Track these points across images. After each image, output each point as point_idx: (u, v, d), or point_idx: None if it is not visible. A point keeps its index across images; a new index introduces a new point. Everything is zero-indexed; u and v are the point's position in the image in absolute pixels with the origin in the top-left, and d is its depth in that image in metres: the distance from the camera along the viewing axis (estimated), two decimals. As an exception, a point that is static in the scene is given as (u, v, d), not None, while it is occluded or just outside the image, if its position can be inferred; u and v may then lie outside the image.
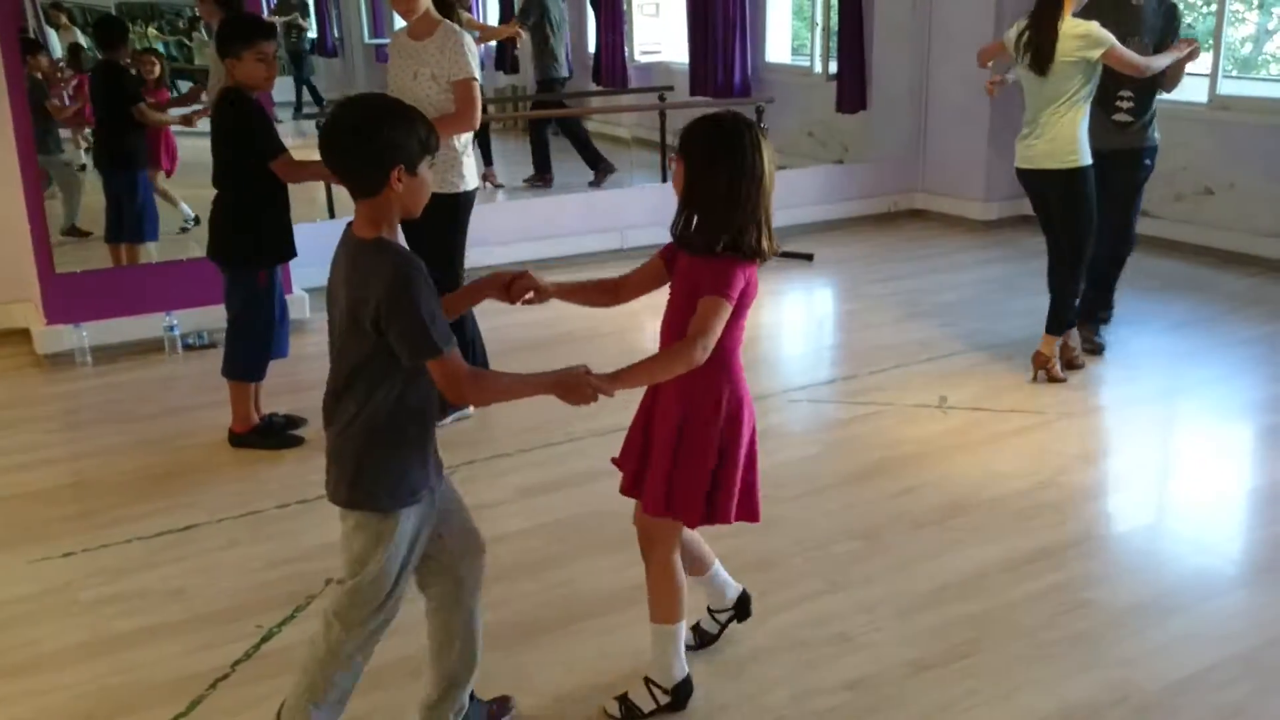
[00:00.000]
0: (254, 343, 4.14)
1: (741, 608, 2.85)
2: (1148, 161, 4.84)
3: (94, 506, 3.76)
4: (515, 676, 2.75)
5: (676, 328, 2.37)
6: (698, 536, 2.71)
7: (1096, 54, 4.29)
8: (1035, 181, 4.59)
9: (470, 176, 4.29)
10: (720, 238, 2.30)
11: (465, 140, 4.26)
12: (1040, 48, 4.34)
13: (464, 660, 2.45)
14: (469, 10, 9.54)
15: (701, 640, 2.85)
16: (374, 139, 2.06)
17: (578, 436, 4.23)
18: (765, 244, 2.31)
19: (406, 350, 2.07)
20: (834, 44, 8.84)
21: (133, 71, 5.65)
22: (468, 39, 4.13)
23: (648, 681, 2.60)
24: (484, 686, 2.70)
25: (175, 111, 5.90)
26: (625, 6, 11.14)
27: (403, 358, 2.08)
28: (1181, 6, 4.69)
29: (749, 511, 2.50)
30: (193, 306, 5.32)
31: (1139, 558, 3.33)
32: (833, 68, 8.91)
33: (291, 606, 3.07)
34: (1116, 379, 4.78)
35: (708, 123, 2.32)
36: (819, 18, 9.39)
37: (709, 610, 2.85)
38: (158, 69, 5.82)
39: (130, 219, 5.64)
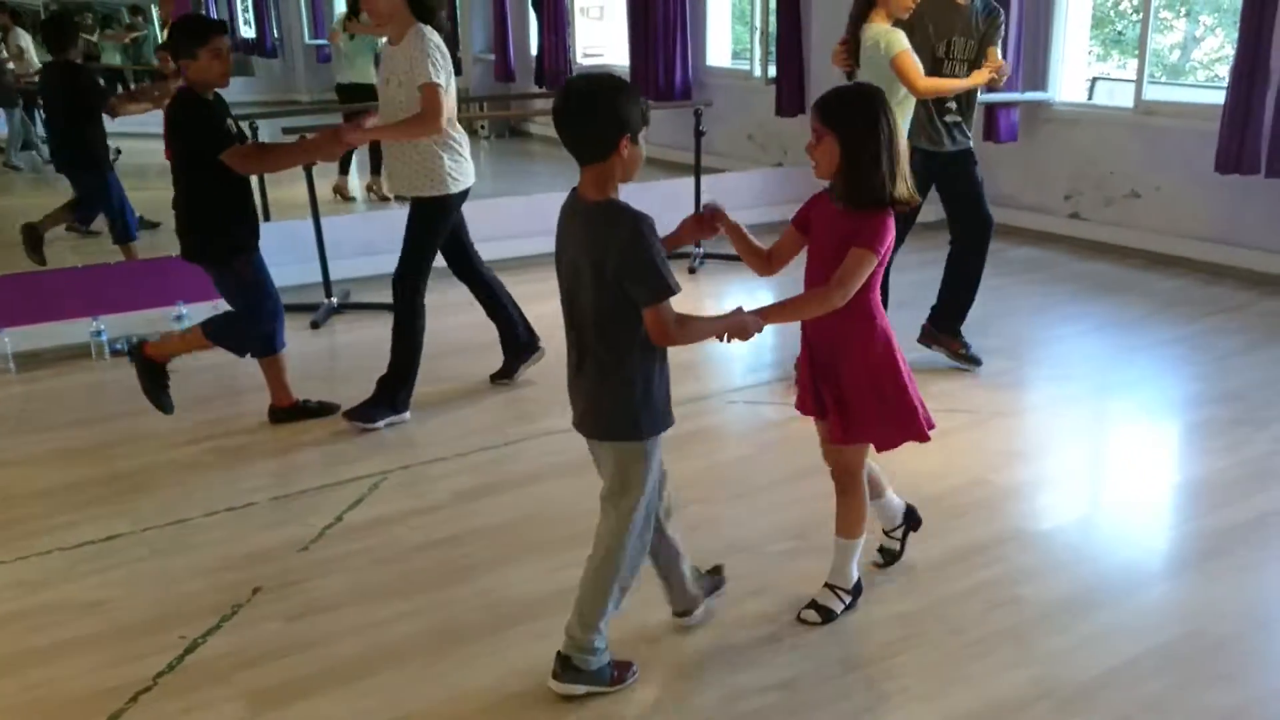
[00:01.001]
0: (265, 323, 4.18)
1: (910, 517, 3.22)
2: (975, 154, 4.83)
3: (14, 517, 3.67)
4: (444, 684, 2.72)
5: (822, 276, 2.68)
6: (876, 466, 3.03)
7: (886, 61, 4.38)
8: None
9: (455, 180, 4.26)
10: (872, 194, 2.59)
11: (453, 142, 4.22)
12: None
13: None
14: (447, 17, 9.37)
15: (890, 559, 3.21)
16: (606, 110, 2.32)
17: (514, 440, 4.21)
18: (906, 191, 2.61)
19: (644, 294, 2.34)
20: (773, 48, 8.90)
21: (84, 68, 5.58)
22: (433, 43, 4.07)
23: (832, 587, 2.96)
24: (410, 695, 2.67)
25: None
26: (568, 8, 11.13)
27: (640, 302, 2.35)
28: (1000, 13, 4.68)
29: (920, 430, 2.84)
30: (121, 311, 5.22)
31: (1067, 553, 3.37)
32: (772, 71, 8.97)
33: (217, 616, 3.02)
34: (1047, 378, 4.85)
35: (851, 94, 2.66)
36: (758, 22, 9.44)
37: (885, 532, 3.21)
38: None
39: (115, 220, 5.65)
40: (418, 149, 4.16)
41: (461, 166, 4.29)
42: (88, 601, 3.11)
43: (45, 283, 5.22)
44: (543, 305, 5.93)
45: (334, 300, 5.88)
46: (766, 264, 2.89)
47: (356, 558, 3.34)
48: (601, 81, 2.37)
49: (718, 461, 4.03)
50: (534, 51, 11.50)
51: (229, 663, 2.80)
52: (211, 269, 4.10)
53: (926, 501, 3.62)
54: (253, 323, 4.16)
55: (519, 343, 4.81)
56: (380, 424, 4.30)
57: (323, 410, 4.41)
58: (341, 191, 8.60)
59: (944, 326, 4.96)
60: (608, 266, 2.34)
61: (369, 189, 8.79)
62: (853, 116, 2.58)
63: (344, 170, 8.65)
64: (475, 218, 7.29)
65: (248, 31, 11.56)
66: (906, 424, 2.81)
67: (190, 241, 4.06)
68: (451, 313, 5.69)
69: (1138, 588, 3.15)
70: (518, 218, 6.85)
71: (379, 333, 5.53)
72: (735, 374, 5.06)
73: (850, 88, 2.72)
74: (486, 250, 6.66)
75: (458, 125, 4.28)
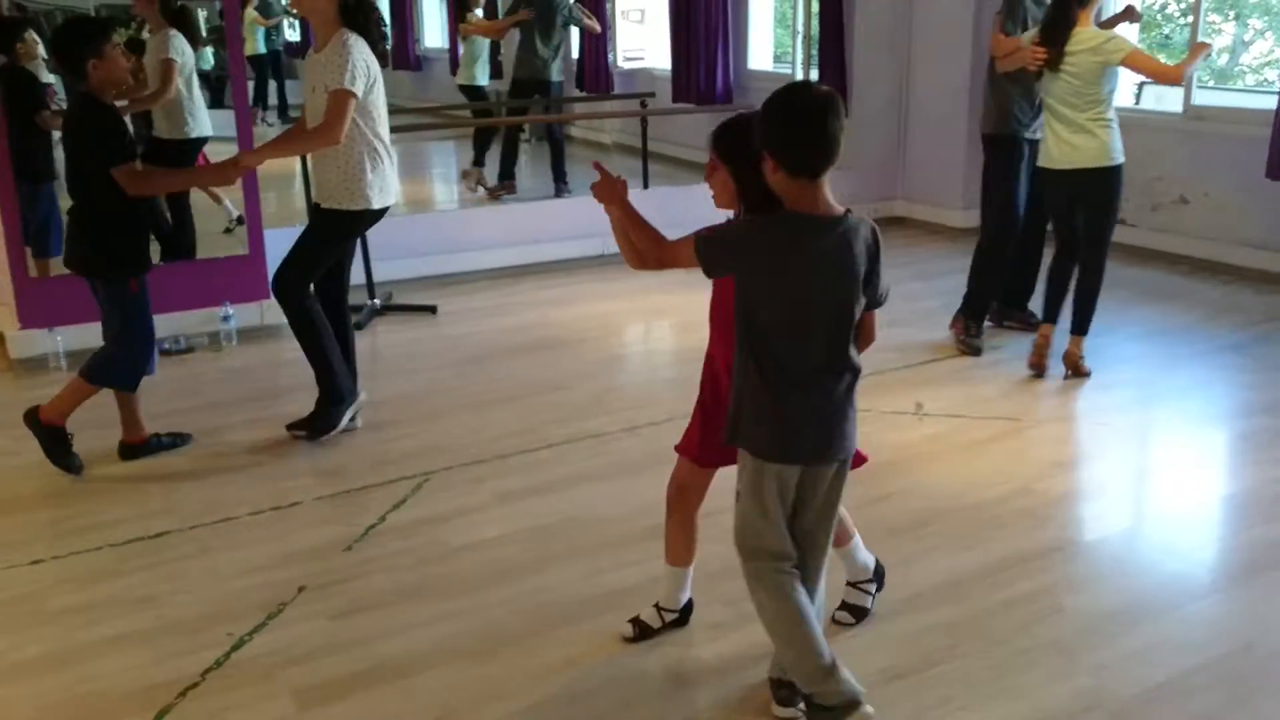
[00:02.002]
0: (137, 350, 4.01)
1: (879, 576, 3.05)
2: None
3: (64, 514, 3.73)
4: (485, 684, 2.73)
5: (723, 309, 2.57)
6: (843, 510, 2.75)
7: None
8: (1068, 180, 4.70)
9: (374, 195, 4.05)
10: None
11: (379, 156, 4.04)
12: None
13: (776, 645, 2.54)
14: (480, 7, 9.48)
15: (859, 615, 2.99)
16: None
17: (556, 443, 4.22)
18: None
19: (882, 293, 2.44)
20: (815, 52, 8.87)
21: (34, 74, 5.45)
22: (356, 50, 3.85)
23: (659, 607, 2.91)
24: (451, 695, 2.69)
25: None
26: (609, 12, 11.14)
27: (875, 302, 2.44)
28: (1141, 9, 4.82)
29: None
30: (170, 311, 5.28)
31: (1113, 564, 3.33)
32: (814, 75, 8.93)
33: (264, 614, 3.05)
34: (1092, 386, 4.80)
35: (744, 127, 2.43)
36: (800, 25, 9.40)
37: (850, 584, 3.00)
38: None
39: (36, 232, 5.37)
40: (348, 158, 3.96)
41: (383, 183, 4.08)
42: (137, 598, 3.16)
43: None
44: (591, 307, 5.98)
45: (377, 301, 5.93)
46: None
47: (400, 558, 3.36)
48: (825, 95, 2.35)
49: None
50: (575, 55, 11.52)
51: (275, 660, 2.83)
52: (96, 282, 3.96)
53: (968, 510, 3.61)
54: (124, 346, 3.99)
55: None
56: (342, 424, 4.22)
57: (176, 441, 4.23)
58: (480, 183, 8.67)
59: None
60: (866, 273, 2.37)
61: (464, 174, 8.85)
62: (746, 149, 2.37)
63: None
64: (517, 221, 7.33)
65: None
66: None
67: (78, 253, 3.95)
68: (488, 316, 5.72)
69: (1186, 600, 3.11)
70: (557, 221, 6.89)
71: (420, 333, 5.59)
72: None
73: (744, 119, 2.46)
74: (524, 254, 6.75)
75: (386, 140, 4.08)
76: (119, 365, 4.00)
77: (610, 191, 2.53)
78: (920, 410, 4.47)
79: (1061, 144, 4.61)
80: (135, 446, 4.14)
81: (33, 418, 3.96)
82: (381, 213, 4.16)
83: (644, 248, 2.51)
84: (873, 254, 2.38)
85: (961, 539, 3.43)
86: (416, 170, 10.49)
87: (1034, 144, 5.01)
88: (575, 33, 11.36)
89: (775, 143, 2.27)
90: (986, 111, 5.27)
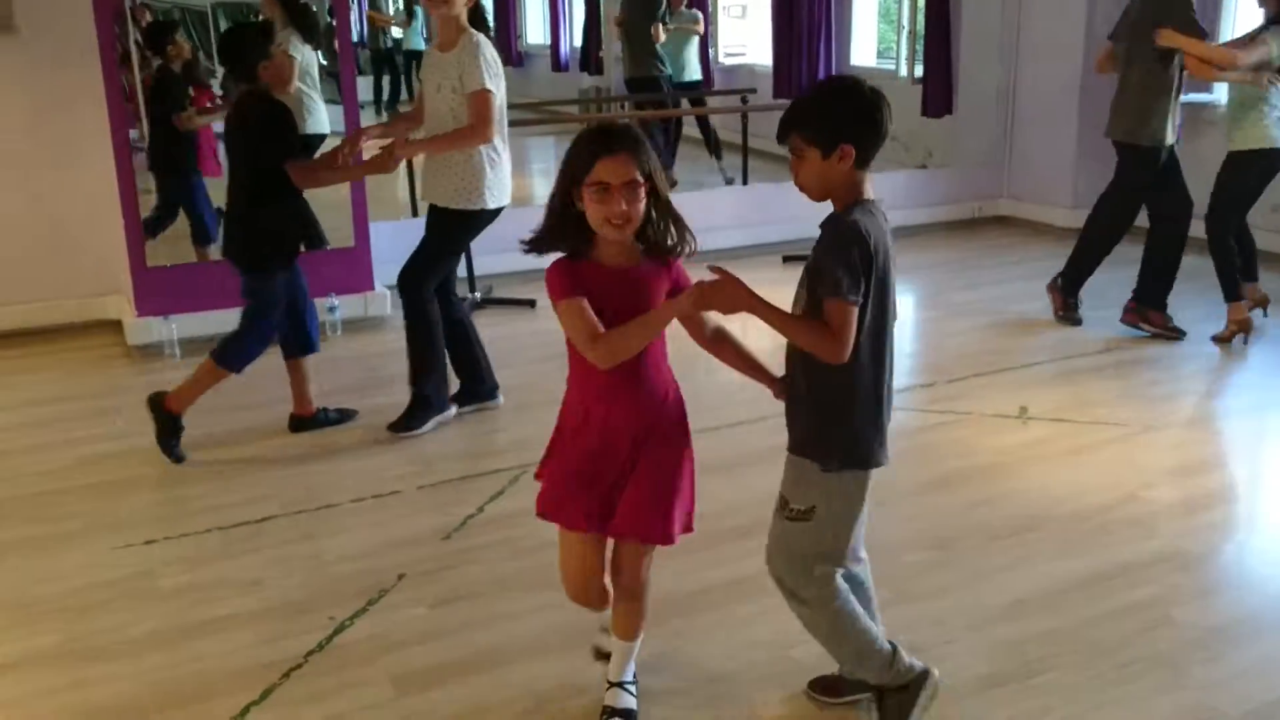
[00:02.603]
0: (256, 339, 4.12)
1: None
2: None
3: (174, 495, 3.86)
4: (582, 677, 2.74)
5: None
6: None
7: None
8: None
9: (491, 196, 4.14)
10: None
11: (496, 156, 4.12)
12: None
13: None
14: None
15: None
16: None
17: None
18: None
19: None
20: (920, 47, 8.73)
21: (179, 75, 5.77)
22: (486, 50, 3.97)
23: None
24: (545, 686, 2.71)
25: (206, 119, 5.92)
26: (711, 8, 11.11)
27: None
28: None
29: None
30: (277, 302, 5.45)
31: (1224, 578, 3.22)
32: (918, 71, 8.80)
33: (364, 600, 3.11)
34: (1205, 392, 4.64)
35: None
36: (905, 20, 9.28)
37: (614, 685, 2.59)
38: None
39: (195, 223, 5.73)
40: (467, 160, 4.04)
41: (501, 182, 4.16)
42: (244, 580, 3.26)
43: (207, 273, 5.46)
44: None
45: (477, 295, 6.01)
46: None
47: (497, 548, 3.41)
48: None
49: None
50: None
51: (375, 645, 2.89)
52: (247, 275, 4.09)
53: (1072, 517, 3.52)
54: (248, 331, 4.10)
55: (474, 389, 4.53)
56: (426, 428, 4.29)
57: (342, 417, 4.41)
58: None
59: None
60: None
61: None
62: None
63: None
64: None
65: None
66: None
67: (236, 246, 4.11)
68: (523, 321, 5.74)
69: (1302, 617, 2.99)
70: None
71: (519, 327, 5.65)
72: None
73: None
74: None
75: (504, 138, 4.14)
76: (236, 347, 4.11)
77: (735, 297, 2.19)
78: (1024, 414, 4.37)
79: None
80: (304, 419, 4.33)
81: (155, 402, 4.09)
82: (498, 212, 4.23)
83: (812, 340, 2.20)
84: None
85: (1065, 546, 3.34)
86: (517, 165, 10.57)
87: (1172, 149, 5.14)
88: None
89: (860, 135, 2.23)
90: (1126, 118, 5.16)
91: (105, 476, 4.00)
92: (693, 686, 2.70)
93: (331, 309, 5.49)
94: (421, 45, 12.17)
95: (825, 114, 2.25)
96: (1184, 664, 2.76)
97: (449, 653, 2.86)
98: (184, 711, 2.66)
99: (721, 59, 11.43)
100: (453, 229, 4.22)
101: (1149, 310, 5.22)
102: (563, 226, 2.29)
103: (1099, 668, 2.74)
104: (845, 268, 2.16)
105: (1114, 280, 5.51)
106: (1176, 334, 5.15)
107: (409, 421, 4.29)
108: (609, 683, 2.58)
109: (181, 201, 5.73)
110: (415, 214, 6.66)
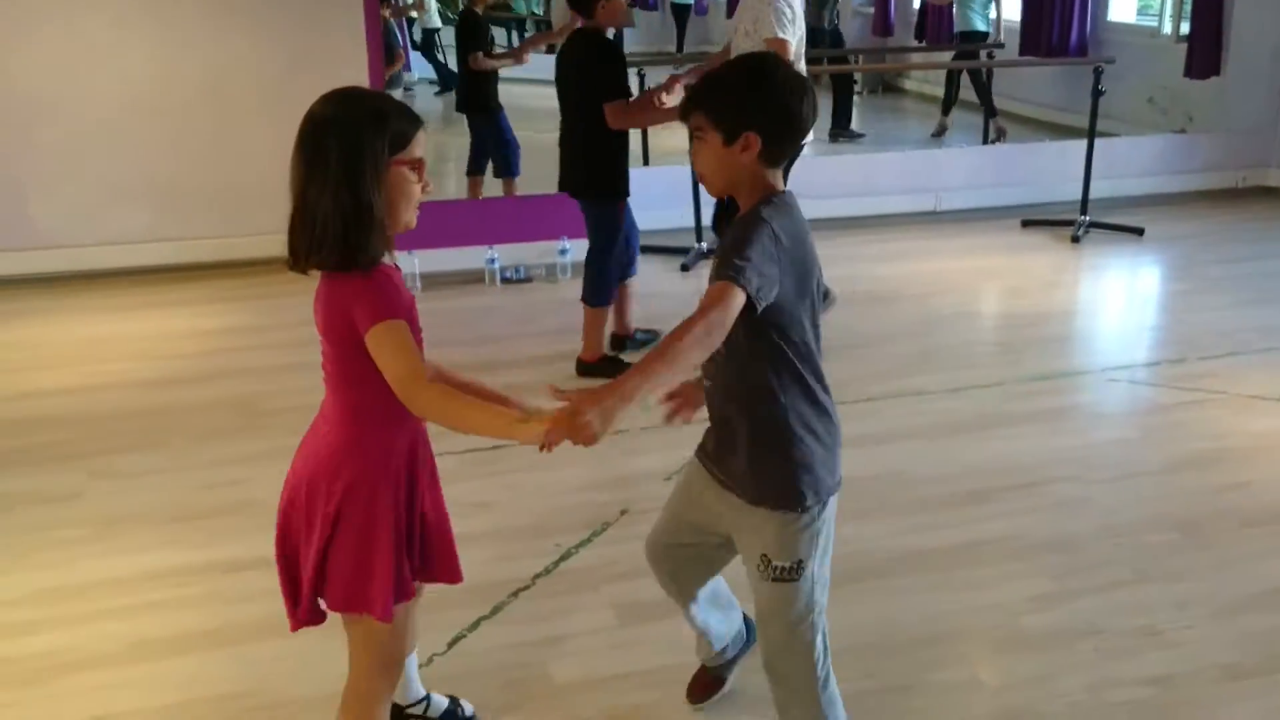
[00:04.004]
0: (610, 270, 4.35)
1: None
2: None
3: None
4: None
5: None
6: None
7: None
8: None
9: None
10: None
11: None
12: None
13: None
14: None
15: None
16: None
17: (876, 397, 4.16)
18: None
19: None
20: (1187, 3, 8.14)
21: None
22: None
23: None
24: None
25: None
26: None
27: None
28: None
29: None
30: (512, 242, 5.63)
31: None
32: (1184, 28, 8.21)
33: (589, 531, 3.21)
34: None
35: None
36: (1172, -27, 8.66)
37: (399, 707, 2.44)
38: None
39: (495, 157, 6.23)
40: None
41: None
42: (475, 502, 3.40)
43: (449, 212, 5.69)
44: (918, 264, 5.83)
45: (704, 245, 6.03)
46: None
47: (717, 493, 3.43)
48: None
49: (1093, 441, 3.80)
50: (915, 4, 11.15)
51: (599, 574, 2.99)
52: (588, 205, 4.31)
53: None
54: (600, 263, 4.32)
55: None
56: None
57: (650, 337, 4.56)
58: None
59: None
60: None
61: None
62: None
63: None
64: (846, 173, 7.24)
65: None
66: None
67: (573, 177, 4.29)
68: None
69: None
70: (891, 174, 6.73)
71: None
72: (1114, 351, 4.74)
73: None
74: (855, 206, 6.64)
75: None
76: (597, 281, 4.35)
77: (602, 417, 1.80)
78: (1286, 397, 4.06)
79: None
80: (588, 364, 4.43)
81: (580, 367, 4.38)
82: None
83: (693, 341, 1.75)
84: None
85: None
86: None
87: None
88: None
89: (768, 126, 1.87)
90: None
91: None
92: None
93: (563, 251, 5.64)
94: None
95: (731, 95, 1.89)
96: None
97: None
98: (422, 619, 2.82)
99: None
100: None
101: None
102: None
103: (1360, 671, 2.55)
104: (749, 263, 1.79)
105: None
106: None
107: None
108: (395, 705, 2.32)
109: (490, 137, 6.18)
110: (646, 162, 6.74)
